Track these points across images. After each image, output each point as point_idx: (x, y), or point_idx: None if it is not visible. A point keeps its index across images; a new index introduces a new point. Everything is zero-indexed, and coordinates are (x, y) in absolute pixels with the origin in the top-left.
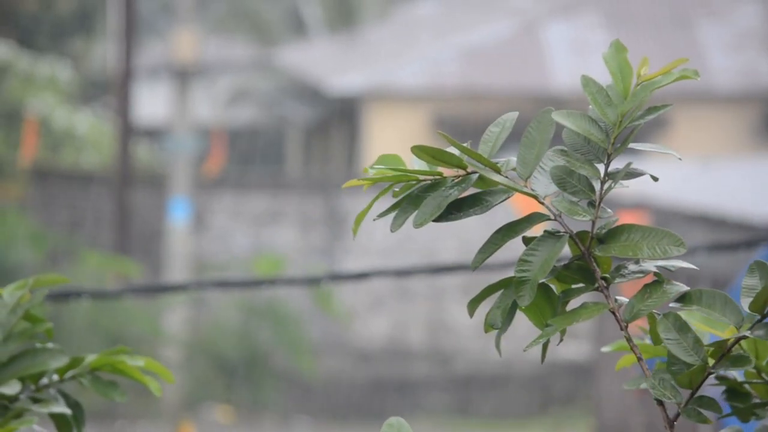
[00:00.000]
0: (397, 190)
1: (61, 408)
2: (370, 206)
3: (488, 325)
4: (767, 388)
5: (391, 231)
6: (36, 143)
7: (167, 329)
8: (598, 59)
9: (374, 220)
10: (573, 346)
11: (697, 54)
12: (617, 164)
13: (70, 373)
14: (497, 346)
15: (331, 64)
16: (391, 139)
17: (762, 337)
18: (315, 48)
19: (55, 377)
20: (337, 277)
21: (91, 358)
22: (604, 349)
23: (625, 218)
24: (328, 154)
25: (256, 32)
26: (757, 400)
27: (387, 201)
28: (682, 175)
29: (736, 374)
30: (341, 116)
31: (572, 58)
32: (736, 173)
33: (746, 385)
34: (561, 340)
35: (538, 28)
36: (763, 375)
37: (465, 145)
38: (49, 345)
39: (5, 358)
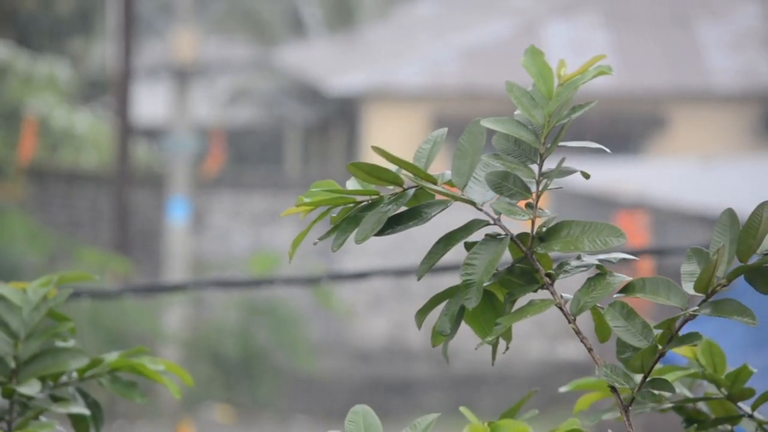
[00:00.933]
0: (334, 215)
1: (80, 408)
2: (306, 231)
3: (437, 334)
4: (725, 404)
5: (333, 251)
6: (35, 143)
7: (167, 329)
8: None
9: (314, 243)
10: (573, 346)
11: (697, 54)
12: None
13: (89, 373)
14: (444, 353)
15: (331, 64)
16: (391, 139)
17: (709, 314)
18: (315, 48)
19: (75, 376)
20: (337, 277)
21: (111, 359)
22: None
23: (625, 218)
24: (327, 154)
25: (255, 32)
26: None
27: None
28: (682, 174)
29: (689, 394)
30: (341, 116)
31: (572, 58)
32: (736, 173)
33: (704, 406)
34: (507, 348)
35: (538, 28)
36: (722, 389)
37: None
38: (70, 343)
39: (27, 356)
